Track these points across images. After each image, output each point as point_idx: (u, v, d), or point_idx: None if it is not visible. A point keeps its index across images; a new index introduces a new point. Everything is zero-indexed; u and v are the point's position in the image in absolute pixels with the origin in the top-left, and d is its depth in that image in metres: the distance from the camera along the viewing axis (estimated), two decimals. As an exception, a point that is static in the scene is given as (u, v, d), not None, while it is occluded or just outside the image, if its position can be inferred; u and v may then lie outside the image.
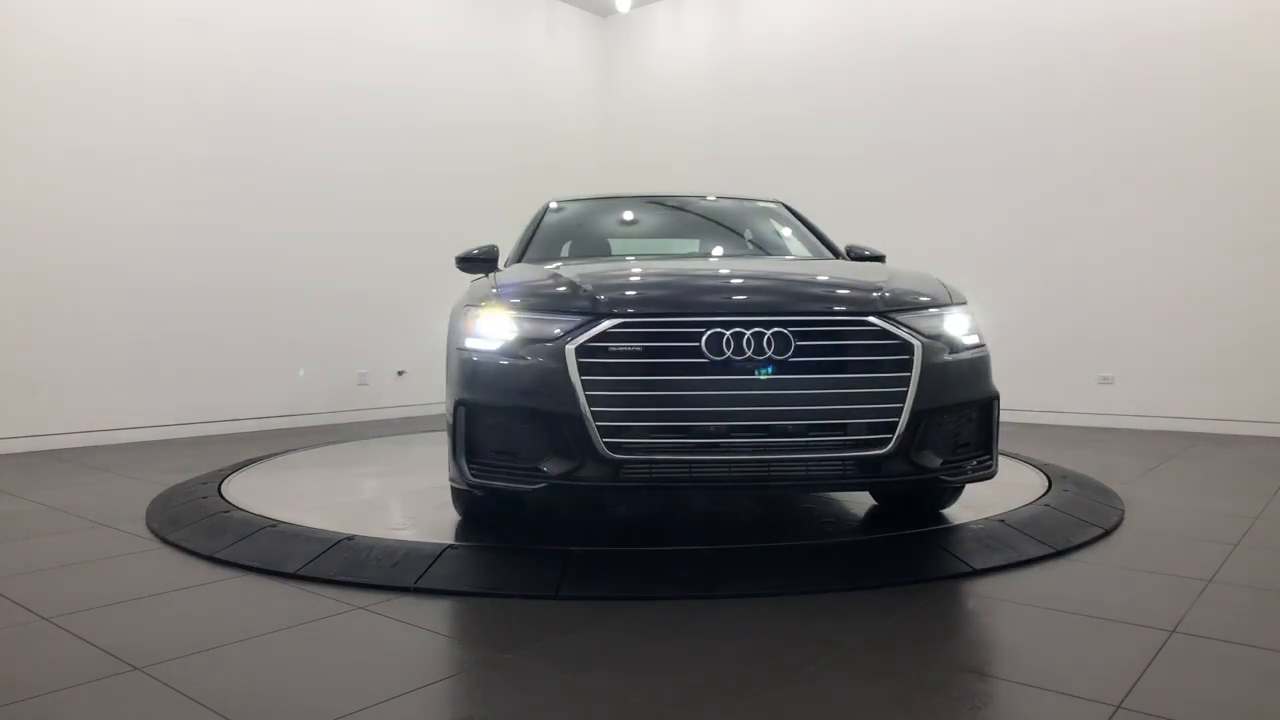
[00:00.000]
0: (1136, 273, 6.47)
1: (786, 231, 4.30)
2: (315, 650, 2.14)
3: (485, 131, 8.26)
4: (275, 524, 3.23)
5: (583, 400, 2.57)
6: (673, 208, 4.53)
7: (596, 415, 2.56)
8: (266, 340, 6.59)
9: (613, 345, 2.62)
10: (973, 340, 2.94)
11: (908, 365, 2.65)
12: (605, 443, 2.56)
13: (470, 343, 2.85)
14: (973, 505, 3.46)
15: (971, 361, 2.88)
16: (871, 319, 2.69)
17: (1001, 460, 4.67)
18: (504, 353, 2.75)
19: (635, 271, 3.35)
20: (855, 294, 2.89)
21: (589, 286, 2.85)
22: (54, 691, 1.89)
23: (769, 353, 2.57)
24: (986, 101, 7.10)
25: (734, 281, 3.12)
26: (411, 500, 3.75)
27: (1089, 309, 6.66)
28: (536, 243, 4.16)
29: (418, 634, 2.24)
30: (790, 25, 8.23)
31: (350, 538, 3.05)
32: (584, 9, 9.32)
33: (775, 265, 3.64)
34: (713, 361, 2.57)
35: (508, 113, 8.48)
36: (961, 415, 2.80)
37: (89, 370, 5.74)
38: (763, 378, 2.57)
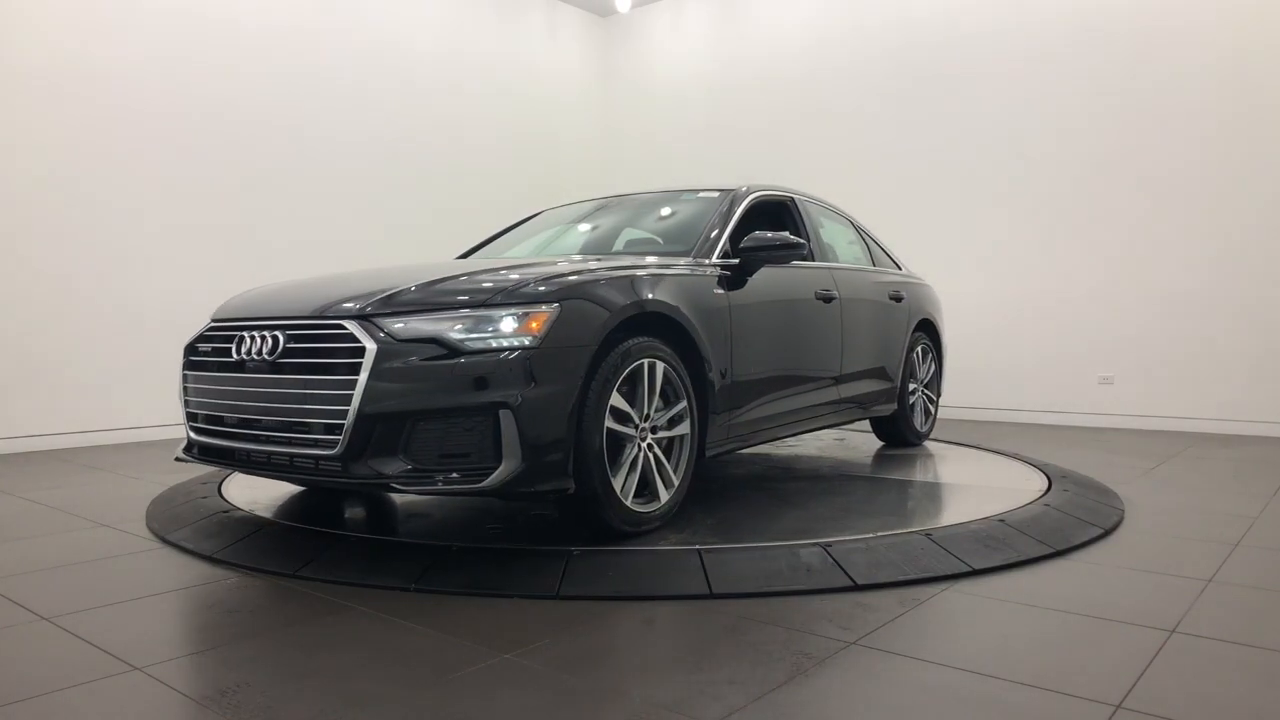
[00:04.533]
0: (1137, 273, 6.47)
1: (699, 225, 3.94)
2: (315, 650, 2.14)
3: (485, 132, 8.26)
4: (275, 524, 3.23)
5: (181, 389, 3.21)
6: (615, 209, 4.48)
7: (187, 404, 3.18)
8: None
9: (200, 345, 3.16)
10: (500, 344, 2.65)
11: (357, 369, 2.62)
12: (191, 426, 3.14)
13: None
14: (973, 505, 3.46)
15: (472, 366, 2.61)
16: (345, 322, 2.72)
17: (1002, 460, 4.73)
18: None
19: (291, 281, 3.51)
20: (346, 298, 2.85)
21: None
22: (54, 691, 1.89)
23: (263, 354, 2.85)
24: (987, 101, 7.11)
25: (294, 289, 3.22)
26: (411, 501, 3.74)
27: (1089, 309, 6.66)
28: (485, 249, 4.49)
29: (418, 634, 2.24)
30: (790, 24, 8.23)
31: (350, 538, 3.05)
32: (584, 9, 9.33)
33: (399, 267, 3.50)
34: (233, 361, 2.95)
35: (507, 113, 8.48)
36: (447, 422, 2.61)
37: (89, 370, 5.74)
38: (259, 376, 2.87)
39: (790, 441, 5.38)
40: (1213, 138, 6.16)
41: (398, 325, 2.68)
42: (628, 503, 2.92)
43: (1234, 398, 6.10)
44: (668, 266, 3.37)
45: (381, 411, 2.59)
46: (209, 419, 3.07)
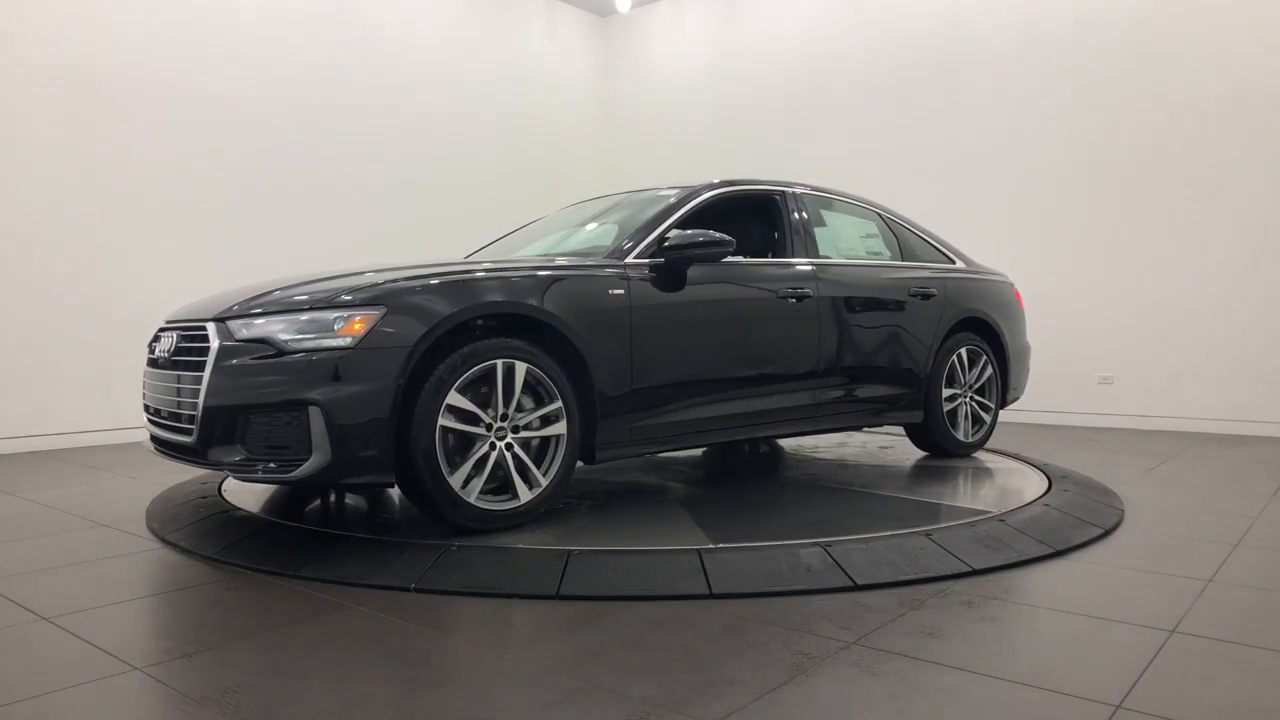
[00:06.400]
0: (1137, 273, 6.47)
1: (659, 223, 3.82)
2: (315, 651, 2.14)
3: (486, 132, 8.25)
4: (275, 524, 3.23)
5: (140, 383, 3.47)
6: (599, 210, 4.44)
7: (142, 396, 3.42)
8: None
9: (151, 344, 3.40)
10: (316, 345, 2.81)
11: (202, 365, 2.91)
12: (146, 419, 3.38)
13: None
14: (973, 505, 3.46)
15: (289, 365, 2.78)
16: (205, 325, 2.99)
17: (1002, 460, 4.72)
18: None
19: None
20: (217, 301, 3.15)
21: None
22: (54, 691, 1.89)
23: (166, 353, 3.15)
24: (987, 100, 7.11)
25: (215, 297, 3.41)
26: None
27: (1089, 309, 6.66)
28: (490, 248, 4.58)
29: (418, 634, 2.24)
30: (791, 24, 8.23)
31: (350, 538, 3.05)
32: (584, 9, 9.33)
33: (300, 275, 3.54)
34: (153, 359, 3.28)
35: (508, 113, 8.48)
36: (271, 417, 2.81)
37: (89, 370, 5.73)
38: (163, 372, 3.17)
39: (822, 445, 5.38)
40: (1214, 137, 6.16)
41: (240, 326, 2.93)
42: (472, 500, 2.96)
43: (1234, 398, 6.10)
44: (564, 267, 3.34)
45: (219, 405, 2.85)
46: (146, 409, 3.40)
